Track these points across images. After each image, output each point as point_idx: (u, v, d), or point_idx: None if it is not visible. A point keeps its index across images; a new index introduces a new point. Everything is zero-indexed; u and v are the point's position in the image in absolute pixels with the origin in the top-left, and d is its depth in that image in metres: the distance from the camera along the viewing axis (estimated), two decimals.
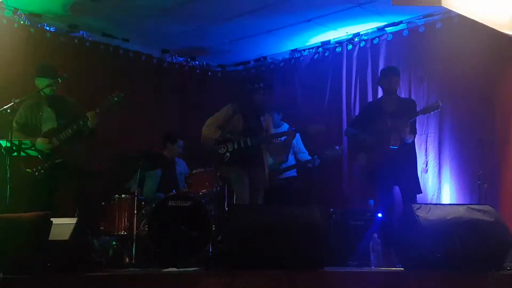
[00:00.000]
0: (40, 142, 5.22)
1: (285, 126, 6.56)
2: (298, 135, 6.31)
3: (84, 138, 5.48)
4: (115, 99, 5.39)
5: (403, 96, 6.45)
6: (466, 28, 5.90)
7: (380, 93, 6.27)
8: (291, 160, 6.53)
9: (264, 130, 5.56)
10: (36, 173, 5.21)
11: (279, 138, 5.86)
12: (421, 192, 5.60)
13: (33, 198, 5.31)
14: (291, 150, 6.45)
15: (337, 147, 6.25)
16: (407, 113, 5.41)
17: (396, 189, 5.62)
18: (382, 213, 5.61)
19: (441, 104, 5.34)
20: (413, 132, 5.55)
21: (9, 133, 4.95)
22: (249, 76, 7.97)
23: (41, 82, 5.36)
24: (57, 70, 5.50)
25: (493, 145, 5.83)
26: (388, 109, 5.53)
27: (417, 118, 5.67)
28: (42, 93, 5.38)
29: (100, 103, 5.39)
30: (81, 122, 5.28)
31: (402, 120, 5.34)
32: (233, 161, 5.38)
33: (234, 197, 5.49)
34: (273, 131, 5.83)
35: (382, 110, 5.57)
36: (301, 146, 6.59)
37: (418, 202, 5.40)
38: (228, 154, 5.38)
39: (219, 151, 5.42)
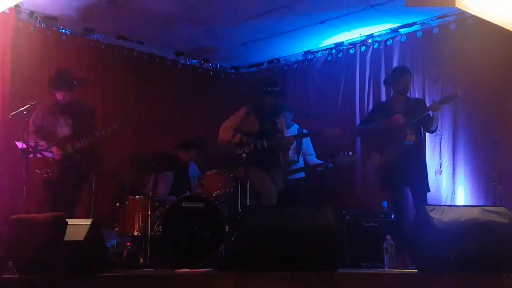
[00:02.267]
0: (54, 151, 5.27)
1: (295, 127, 6.56)
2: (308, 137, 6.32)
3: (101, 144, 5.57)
4: (135, 119, 5.49)
5: (416, 96, 6.44)
6: (480, 29, 5.87)
7: None
8: (301, 162, 6.54)
9: (280, 132, 5.56)
10: (44, 175, 5.27)
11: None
12: (429, 191, 5.56)
13: (47, 200, 5.36)
14: (300, 152, 6.46)
15: (351, 153, 6.22)
16: (418, 110, 5.39)
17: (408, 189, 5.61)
18: (395, 215, 5.59)
19: (459, 93, 5.28)
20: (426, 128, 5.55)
21: (25, 134, 5.01)
22: (262, 79, 7.96)
23: (54, 92, 5.43)
24: (69, 78, 5.54)
25: (508, 146, 5.78)
26: (397, 109, 5.50)
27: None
28: (60, 99, 5.45)
29: (119, 121, 5.46)
30: (98, 134, 5.34)
31: (417, 115, 5.32)
32: (251, 162, 5.38)
33: (248, 197, 5.49)
34: (286, 133, 5.83)
35: (391, 110, 5.54)
36: (310, 149, 6.57)
37: (432, 203, 5.37)
38: (244, 155, 5.40)
39: (236, 152, 5.43)
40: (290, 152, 6.41)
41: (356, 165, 6.86)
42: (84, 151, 5.39)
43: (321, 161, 6.36)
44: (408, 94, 5.79)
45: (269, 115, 5.53)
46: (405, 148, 5.31)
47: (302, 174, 6.55)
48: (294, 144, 6.41)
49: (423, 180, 5.44)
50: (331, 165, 6.26)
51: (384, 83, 6.38)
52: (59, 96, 5.44)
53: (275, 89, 5.49)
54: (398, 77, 5.63)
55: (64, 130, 5.43)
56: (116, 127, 5.40)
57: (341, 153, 6.18)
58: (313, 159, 6.55)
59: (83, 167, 5.44)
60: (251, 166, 5.39)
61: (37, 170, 5.29)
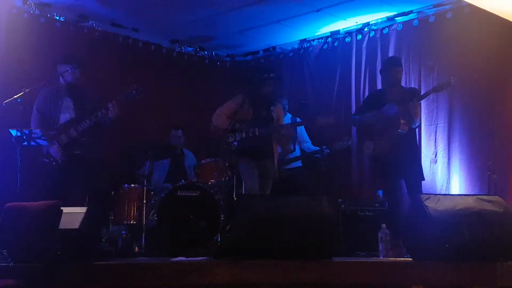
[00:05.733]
0: (58, 137, 5.21)
1: (288, 116, 6.55)
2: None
3: (104, 129, 5.49)
4: (133, 91, 5.41)
5: (412, 85, 6.45)
6: (476, 18, 5.86)
7: None
8: (297, 151, 6.53)
9: (274, 120, 5.54)
10: (54, 163, 5.21)
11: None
12: (424, 179, 5.57)
13: (47, 187, 5.32)
14: (296, 140, 6.46)
15: (347, 138, 6.22)
16: (411, 100, 5.37)
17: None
18: (389, 204, 5.60)
19: (453, 81, 5.25)
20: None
21: (21, 122, 4.97)
22: (258, 66, 7.95)
23: (62, 68, 5.36)
24: (80, 59, 5.48)
25: (503, 136, 5.80)
26: (391, 99, 5.49)
27: (426, 107, 5.63)
28: (62, 81, 5.38)
29: (117, 95, 5.40)
30: (100, 114, 5.28)
31: (412, 103, 5.31)
32: (241, 151, 5.37)
33: (243, 187, 5.49)
34: (284, 121, 5.82)
35: (385, 99, 5.53)
36: (305, 136, 6.56)
37: (427, 192, 5.39)
38: (236, 143, 5.36)
39: (228, 140, 5.40)
40: None
41: (352, 150, 6.85)
42: (88, 134, 5.32)
43: (318, 148, 6.34)
44: (402, 85, 5.79)
45: (264, 103, 5.50)
46: (399, 137, 5.31)
47: (299, 163, 6.55)
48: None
49: (417, 170, 5.44)
50: (328, 151, 6.26)
51: (380, 73, 6.39)
52: (67, 75, 5.33)
53: (271, 76, 5.47)
54: (389, 69, 5.63)
55: (66, 115, 5.36)
56: (116, 102, 5.34)
57: (337, 138, 6.18)
58: (310, 146, 6.55)
59: (91, 154, 5.37)
60: (241, 155, 5.38)
61: (44, 159, 5.23)
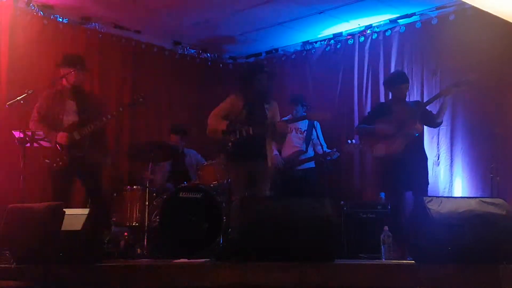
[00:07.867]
0: (60, 136, 5.21)
1: None
2: (319, 127, 6.27)
3: (107, 132, 5.49)
4: (141, 99, 5.41)
5: (414, 88, 6.44)
6: (479, 20, 5.85)
7: None
8: (310, 152, 6.53)
9: (268, 118, 5.27)
10: (54, 164, 5.18)
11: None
12: (428, 183, 5.56)
13: (49, 189, 5.32)
14: (310, 142, 6.45)
15: (357, 142, 6.21)
16: (419, 109, 5.36)
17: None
18: (392, 206, 5.59)
19: (473, 78, 5.17)
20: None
21: (23, 123, 4.98)
22: (249, 64, 7.88)
23: (66, 70, 5.35)
24: (84, 61, 5.47)
25: (506, 138, 5.79)
26: (397, 112, 5.48)
27: (429, 109, 5.62)
28: (67, 83, 5.37)
29: (124, 103, 5.40)
30: (105, 119, 5.27)
31: (424, 104, 5.30)
32: (234, 153, 5.15)
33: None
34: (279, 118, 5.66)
35: (391, 113, 5.51)
36: (321, 139, 6.51)
37: (430, 195, 5.38)
38: (230, 144, 5.18)
39: (223, 141, 5.27)
40: (299, 141, 6.40)
41: (354, 153, 6.85)
42: (91, 138, 5.31)
43: (329, 150, 6.32)
44: (406, 99, 5.79)
45: (257, 101, 5.26)
46: (411, 139, 5.28)
47: (312, 164, 6.53)
48: (304, 134, 6.40)
49: (423, 182, 5.43)
50: (338, 154, 6.25)
51: (384, 85, 6.35)
52: (70, 77, 5.32)
53: (264, 71, 5.26)
54: (397, 85, 5.62)
55: (70, 117, 5.34)
56: (122, 110, 5.34)
57: (348, 141, 6.17)
58: (324, 150, 6.51)
59: (93, 156, 5.36)
60: (232, 158, 5.19)
61: (46, 160, 5.22)
